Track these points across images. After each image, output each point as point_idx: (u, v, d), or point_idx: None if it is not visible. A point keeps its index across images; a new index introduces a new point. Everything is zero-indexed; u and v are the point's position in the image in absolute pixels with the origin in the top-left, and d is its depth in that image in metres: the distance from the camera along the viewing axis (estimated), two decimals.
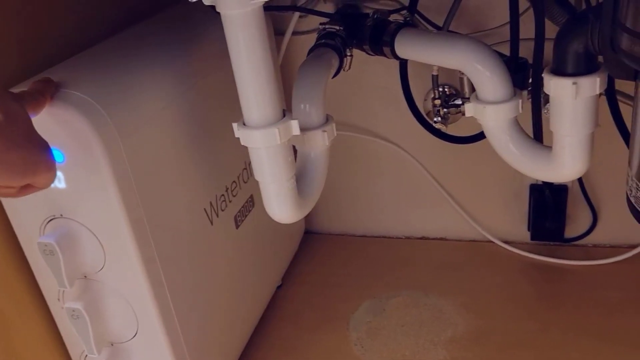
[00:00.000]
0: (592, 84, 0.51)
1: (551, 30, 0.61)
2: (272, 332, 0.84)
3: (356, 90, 0.91)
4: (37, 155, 0.44)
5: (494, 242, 0.95)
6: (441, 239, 0.99)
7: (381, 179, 0.98)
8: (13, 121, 0.41)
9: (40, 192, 0.47)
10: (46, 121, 0.50)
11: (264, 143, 0.56)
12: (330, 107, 0.66)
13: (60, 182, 0.53)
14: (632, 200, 0.51)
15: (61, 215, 0.55)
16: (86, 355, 0.63)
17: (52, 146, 0.50)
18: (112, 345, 0.61)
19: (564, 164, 0.57)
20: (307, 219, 1.03)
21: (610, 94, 0.66)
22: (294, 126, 0.57)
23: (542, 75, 0.55)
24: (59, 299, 0.60)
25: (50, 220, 0.55)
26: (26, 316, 0.61)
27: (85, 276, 0.58)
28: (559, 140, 0.56)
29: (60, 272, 0.54)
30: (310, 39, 0.74)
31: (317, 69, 0.66)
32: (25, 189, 0.46)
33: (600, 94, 0.55)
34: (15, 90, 0.51)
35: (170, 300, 0.60)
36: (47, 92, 0.49)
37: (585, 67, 0.52)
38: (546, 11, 0.63)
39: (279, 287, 0.92)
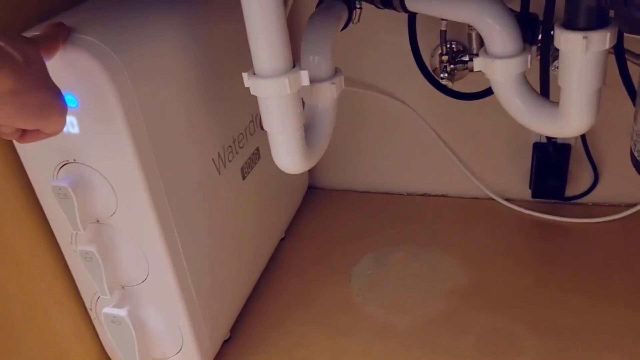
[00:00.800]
0: (602, 39, 0.52)
1: None
2: (275, 283, 0.86)
3: (363, 46, 0.90)
4: (53, 100, 0.44)
5: (495, 200, 0.96)
6: (443, 195, 1.01)
7: (385, 136, 0.98)
8: (29, 62, 0.42)
9: (54, 137, 0.48)
10: (60, 66, 0.51)
11: (273, 93, 0.57)
12: (337, 61, 0.66)
13: (73, 127, 0.53)
14: (636, 154, 0.51)
15: (74, 160, 0.55)
16: (98, 297, 0.65)
17: (65, 91, 0.51)
18: (123, 288, 0.63)
19: (571, 119, 0.58)
20: (311, 174, 1.05)
21: (619, 52, 0.66)
22: (304, 76, 0.58)
23: (553, 29, 0.55)
24: (71, 242, 0.62)
25: (64, 165, 0.56)
26: (39, 259, 0.63)
27: (97, 220, 0.59)
28: (566, 95, 0.57)
29: (74, 215, 0.55)
30: None
31: (326, 21, 0.66)
32: (32, 135, 0.46)
33: (609, 52, 0.55)
34: (29, 34, 0.51)
35: (179, 245, 0.61)
36: (60, 36, 0.50)
37: (596, 22, 0.52)
38: None
39: (282, 240, 0.94)
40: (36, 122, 0.44)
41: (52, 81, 0.45)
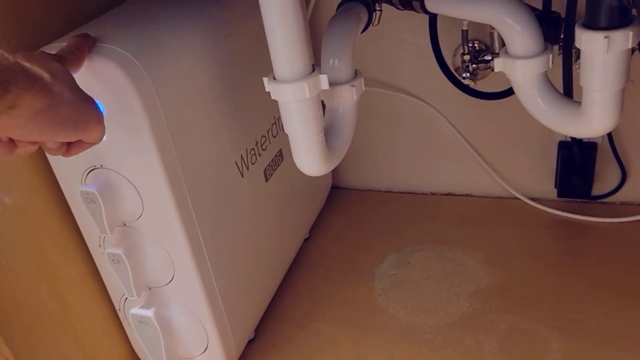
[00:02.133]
0: (624, 38, 0.51)
1: None
2: (299, 282, 0.87)
3: (385, 46, 0.90)
4: (87, 109, 0.45)
5: (520, 199, 0.95)
6: (467, 195, 1.00)
7: (408, 135, 0.98)
8: (57, 77, 0.43)
9: None
10: (85, 74, 0.52)
11: (293, 97, 0.58)
12: (358, 62, 0.66)
13: None
14: None
15: (101, 165, 0.57)
16: (126, 298, 0.67)
17: None
18: (150, 289, 0.65)
19: (593, 119, 0.57)
20: (334, 174, 1.05)
21: None
22: (323, 80, 0.58)
23: (574, 29, 0.54)
24: (100, 245, 0.64)
25: (92, 170, 0.58)
26: (70, 261, 0.65)
27: (124, 224, 0.61)
28: (588, 96, 0.56)
29: (102, 219, 0.57)
30: None
31: (346, 23, 0.67)
32: (77, 146, 0.47)
33: (634, 50, 0.54)
34: (54, 45, 0.53)
35: (204, 247, 0.63)
36: (85, 47, 0.51)
37: (618, 21, 0.51)
38: None
39: (306, 240, 0.95)
40: (75, 133, 0.45)
41: (83, 92, 0.46)
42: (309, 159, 0.62)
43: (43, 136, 0.43)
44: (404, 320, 0.78)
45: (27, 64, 0.40)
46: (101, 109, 0.51)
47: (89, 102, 0.46)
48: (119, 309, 0.70)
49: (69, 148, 0.47)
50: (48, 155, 0.59)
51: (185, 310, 0.65)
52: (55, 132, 0.43)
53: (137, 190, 0.58)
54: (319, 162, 0.63)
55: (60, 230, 0.64)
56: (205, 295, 0.64)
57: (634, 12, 0.51)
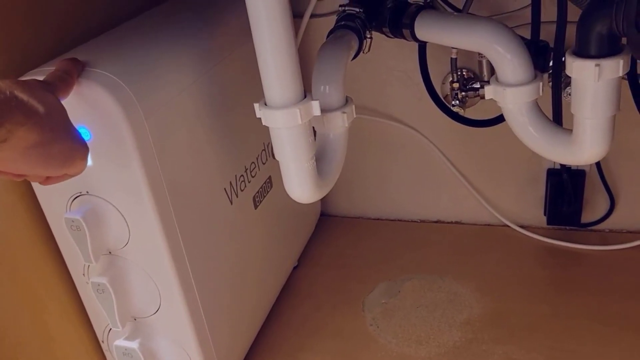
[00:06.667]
0: (615, 66, 0.51)
1: (572, 13, 0.61)
2: (288, 312, 0.86)
3: (374, 74, 0.91)
4: (75, 144, 0.45)
5: (509, 227, 0.95)
6: (456, 222, 1.00)
7: (398, 163, 0.98)
8: (51, 113, 0.42)
9: None
10: (73, 99, 0.51)
11: (285, 123, 0.57)
12: (348, 90, 0.66)
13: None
14: None
15: (87, 192, 0.56)
16: (110, 329, 0.64)
17: (78, 124, 0.51)
18: (134, 319, 0.63)
19: (584, 146, 0.57)
20: (323, 201, 1.04)
21: (632, 78, 0.65)
22: (315, 107, 0.58)
23: (565, 56, 0.55)
24: (84, 274, 0.62)
25: (77, 197, 0.56)
26: (53, 291, 0.63)
27: (110, 252, 0.59)
28: (579, 123, 0.56)
29: (86, 248, 0.56)
30: (328, 22, 0.75)
31: (337, 50, 0.67)
32: (57, 178, 0.46)
33: (622, 78, 0.55)
34: (42, 69, 0.52)
35: (192, 277, 0.61)
36: (74, 71, 0.50)
37: (608, 49, 0.52)
38: None
39: (295, 268, 0.93)
40: (61, 169, 0.44)
41: (73, 127, 0.45)
42: (300, 185, 0.61)
43: (32, 170, 0.42)
44: (395, 350, 0.77)
45: (24, 97, 0.38)
46: (87, 137, 0.50)
47: (77, 136, 0.45)
48: (102, 341, 0.67)
49: (48, 178, 0.46)
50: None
51: (172, 342, 0.63)
52: (44, 167, 0.42)
53: (123, 217, 0.56)
54: (310, 189, 0.62)
55: (44, 259, 0.62)
56: (193, 325, 0.62)
57: (624, 40, 0.51)
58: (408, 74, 0.87)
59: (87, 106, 0.51)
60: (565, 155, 0.60)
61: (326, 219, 1.05)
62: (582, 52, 0.53)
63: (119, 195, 0.55)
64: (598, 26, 0.51)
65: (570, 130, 0.59)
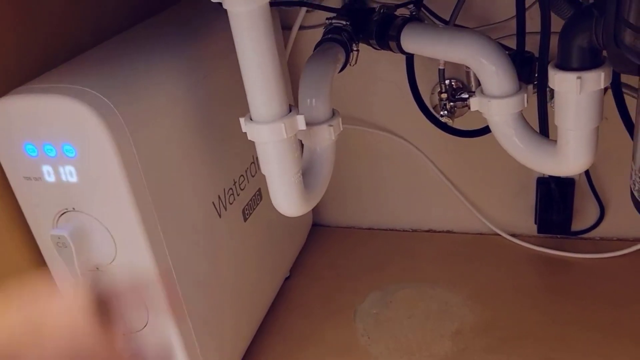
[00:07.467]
0: (596, 79, 0.52)
1: (557, 24, 0.61)
2: (280, 322, 0.86)
3: (363, 85, 0.91)
4: None
5: (500, 235, 0.95)
6: (448, 231, 1.00)
7: (388, 173, 0.98)
8: None
9: (53, 186, 0.48)
10: (57, 116, 0.52)
11: (270, 138, 0.57)
12: (337, 101, 0.66)
13: (72, 176, 0.54)
14: (636, 194, 0.51)
15: (73, 208, 0.56)
16: None
17: (63, 141, 0.51)
18: (122, 335, 0.63)
19: (568, 158, 0.58)
20: (315, 212, 1.04)
21: (616, 88, 0.66)
22: (300, 121, 0.58)
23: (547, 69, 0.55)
24: None
25: (63, 213, 0.56)
26: None
27: (97, 268, 0.59)
28: (563, 135, 0.57)
29: (73, 264, 0.56)
30: (317, 34, 0.75)
31: (323, 63, 0.67)
32: None
33: (607, 88, 0.55)
34: (28, 87, 0.52)
35: (180, 291, 0.61)
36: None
37: (589, 62, 0.52)
38: (552, 5, 0.63)
39: (287, 279, 0.93)
40: None
41: None
42: (287, 199, 0.62)
43: None
44: None
45: None
46: (68, 151, 0.50)
47: None
48: None
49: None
50: (18, 198, 0.58)
51: (160, 357, 0.63)
52: None
53: (110, 234, 0.56)
54: (297, 202, 0.62)
55: (31, 276, 0.61)
56: (181, 340, 0.62)
57: (605, 53, 0.52)
58: (397, 84, 0.88)
59: (70, 123, 0.51)
60: (550, 166, 0.61)
61: (318, 229, 1.05)
62: (563, 65, 0.53)
63: (104, 211, 0.55)
64: (579, 39, 0.51)
65: (555, 141, 0.59)
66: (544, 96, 0.65)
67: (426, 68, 0.84)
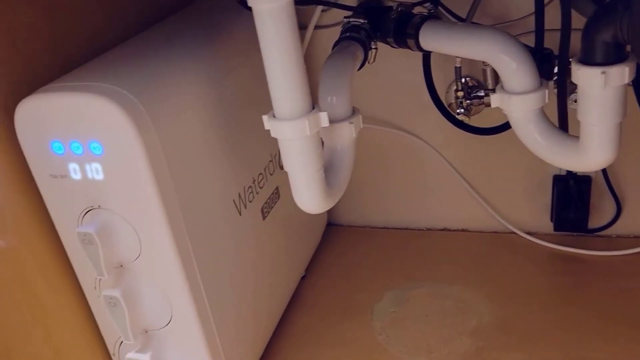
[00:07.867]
0: (621, 73, 0.52)
1: (576, 21, 0.61)
2: (297, 321, 0.86)
3: (379, 84, 0.91)
4: None
5: (516, 234, 0.95)
6: (463, 230, 1.00)
7: (403, 171, 0.98)
8: None
9: (79, 183, 0.49)
10: (85, 113, 0.52)
11: (294, 135, 0.58)
12: (353, 100, 0.66)
13: (98, 173, 0.54)
14: None
15: (99, 206, 0.56)
16: (122, 342, 0.64)
17: (91, 139, 0.52)
18: (146, 332, 0.63)
19: (591, 153, 0.57)
20: (330, 211, 1.04)
21: (638, 84, 0.66)
22: (323, 118, 0.58)
23: (570, 65, 0.55)
24: (95, 288, 0.62)
25: (89, 211, 0.57)
26: (64, 305, 0.63)
27: (121, 265, 0.59)
28: (586, 130, 0.57)
29: (99, 261, 0.56)
30: (332, 33, 0.75)
31: (342, 61, 0.67)
32: None
33: (628, 85, 0.55)
34: (55, 85, 0.52)
35: (203, 289, 0.61)
36: None
37: (614, 57, 0.52)
38: (572, 1, 0.63)
39: (302, 278, 0.93)
40: None
41: None
42: (310, 196, 0.62)
43: None
44: (406, 359, 0.77)
45: None
46: (95, 149, 0.50)
47: None
48: (114, 354, 0.67)
49: None
50: (44, 195, 0.58)
51: (183, 353, 0.63)
52: None
53: (135, 231, 0.56)
54: (320, 199, 0.62)
55: (55, 273, 0.62)
56: (204, 337, 0.62)
57: (629, 48, 0.52)
58: (413, 83, 0.88)
59: (97, 120, 0.52)
60: (572, 162, 0.61)
61: (333, 229, 1.05)
62: (587, 60, 0.53)
63: (130, 209, 0.56)
64: (603, 34, 0.51)
65: (577, 137, 0.59)
66: (564, 93, 0.65)
67: (442, 66, 0.84)
